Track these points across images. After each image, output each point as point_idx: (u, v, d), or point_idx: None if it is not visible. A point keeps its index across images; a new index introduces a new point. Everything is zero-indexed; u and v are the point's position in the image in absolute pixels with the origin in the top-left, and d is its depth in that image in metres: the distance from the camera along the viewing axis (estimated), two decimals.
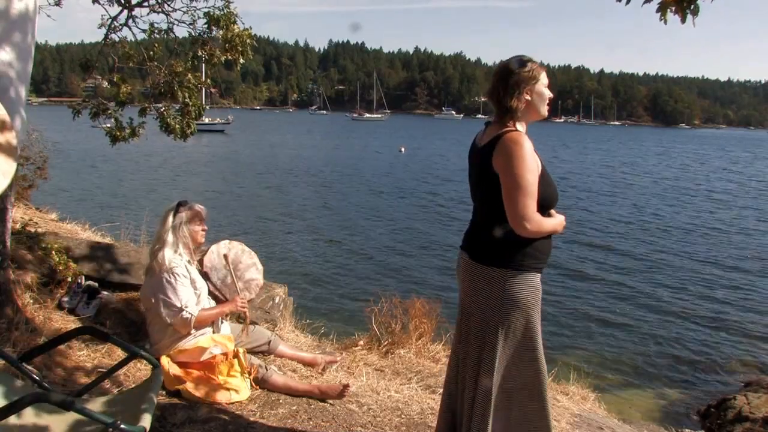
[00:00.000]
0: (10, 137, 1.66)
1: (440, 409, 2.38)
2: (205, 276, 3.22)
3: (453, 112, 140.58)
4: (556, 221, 2.11)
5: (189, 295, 2.89)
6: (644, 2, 2.08)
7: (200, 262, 3.24)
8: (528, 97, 2.06)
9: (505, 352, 2.10)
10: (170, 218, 2.97)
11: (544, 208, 2.06)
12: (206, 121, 51.50)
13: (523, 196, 1.94)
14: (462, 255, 2.20)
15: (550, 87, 2.15)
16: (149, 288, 2.94)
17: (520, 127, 2.08)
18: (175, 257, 2.92)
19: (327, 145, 50.70)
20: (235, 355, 2.88)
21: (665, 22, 2.05)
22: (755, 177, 37.40)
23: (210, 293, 3.16)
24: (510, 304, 2.04)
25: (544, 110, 2.13)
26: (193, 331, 2.90)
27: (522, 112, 2.06)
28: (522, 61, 2.06)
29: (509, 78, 2.04)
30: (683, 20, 2.05)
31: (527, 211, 1.95)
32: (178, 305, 2.82)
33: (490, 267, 2.06)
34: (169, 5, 4.49)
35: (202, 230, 3.06)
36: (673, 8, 2.03)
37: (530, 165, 1.96)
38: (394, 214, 19.86)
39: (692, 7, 2.03)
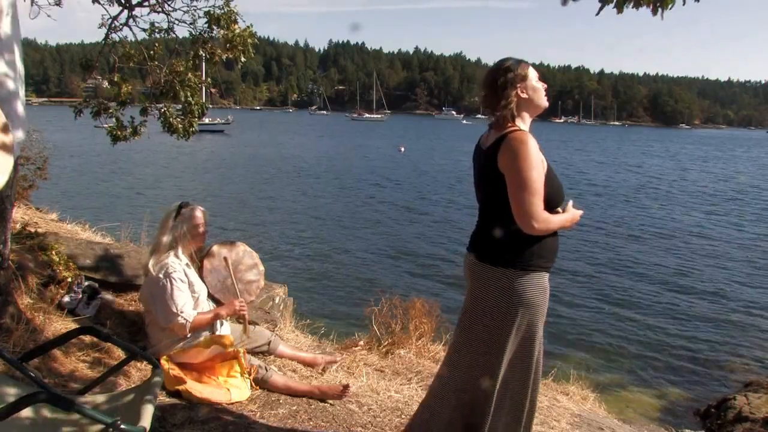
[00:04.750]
0: (5, 138, 1.70)
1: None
2: (206, 278, 3.21)
3: (453, 112, 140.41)
4: (565, 217, 2.09)
5: (186, 298, 2.87)
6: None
7: (201, 263, 3.22)
8: (524, 95, 2.06)
9: (509, 354, 2.08)
10: (171, 220, 2.95)
11: (550, 206, 2.05)
12: (206, 121, 51.49)
13: (530, 195, 1.94)
14: (468, 257, 2.17)
15: (546, 88, 2.15)
16: (147, 290, 2.94)
17: (523, 125, 2.08)
18: (173, 260, 2.90)
19: (327, 145, 50.68)
20: (235, 356, 2.87)
21: (637, 9, 2.12)
22: (751, 177, 37.41)
23: (210, 295, 3.15)
24: (519, 304, 2.02)
25: (544, 101, 2.13)
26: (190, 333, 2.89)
27: (520, 109, 2.07)
28: (505, 65, 2.07)
29: (497, 85, 2.06)
30: (654, 12, 2.09)
31: (534, 209, 1.94)
32: (174, 309, 2.81)
33: (498, 267, 2.03)
34: (169, 5, 4.48)
35: (203, 232, 3.04)
36: None
37: (536, 163, 1.96)
38: (395, 215, 19.85)
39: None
